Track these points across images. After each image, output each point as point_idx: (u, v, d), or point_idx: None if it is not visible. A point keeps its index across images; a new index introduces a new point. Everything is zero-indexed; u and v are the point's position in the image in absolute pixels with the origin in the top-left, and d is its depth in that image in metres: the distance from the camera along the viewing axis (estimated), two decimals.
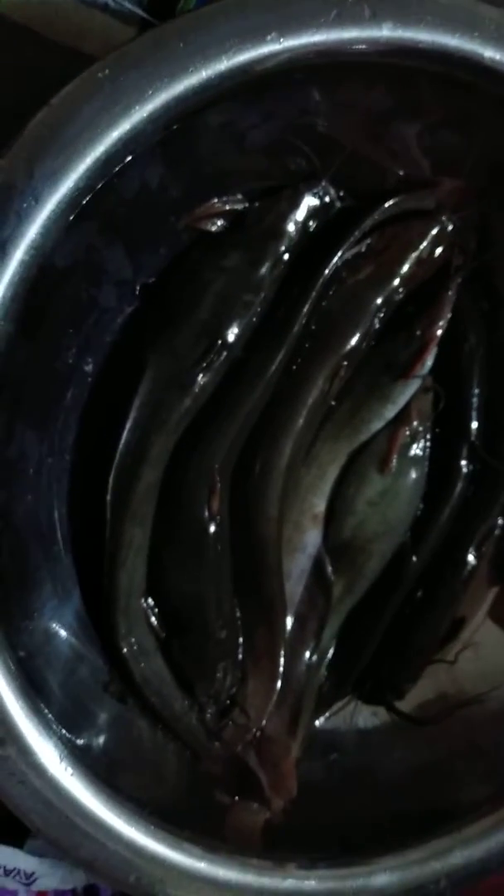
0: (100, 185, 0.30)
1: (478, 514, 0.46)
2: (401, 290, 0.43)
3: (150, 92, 0.30)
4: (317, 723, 0.45)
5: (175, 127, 0.32)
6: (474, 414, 0.45)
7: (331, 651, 0.45)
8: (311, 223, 0.41)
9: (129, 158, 0.31)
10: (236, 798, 0.41)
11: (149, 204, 0.36)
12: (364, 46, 0.33)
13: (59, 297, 0.35)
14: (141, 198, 0.35)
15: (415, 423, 0.44)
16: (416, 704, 0.46)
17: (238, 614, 0.43)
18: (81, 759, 0.35)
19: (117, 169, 0.30)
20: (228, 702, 0.42)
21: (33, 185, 0.29)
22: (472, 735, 0.45)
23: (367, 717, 0.46)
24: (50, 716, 0.34)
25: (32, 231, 0.29)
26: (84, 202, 0.30)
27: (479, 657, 0.47)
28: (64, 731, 0.35)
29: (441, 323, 0.44)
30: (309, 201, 0.41)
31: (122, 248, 0.37)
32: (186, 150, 0.35)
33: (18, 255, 0.30)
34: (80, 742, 0.36)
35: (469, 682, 0.46)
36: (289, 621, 0.43)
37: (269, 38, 0.31)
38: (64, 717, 0.35)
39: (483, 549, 0.46)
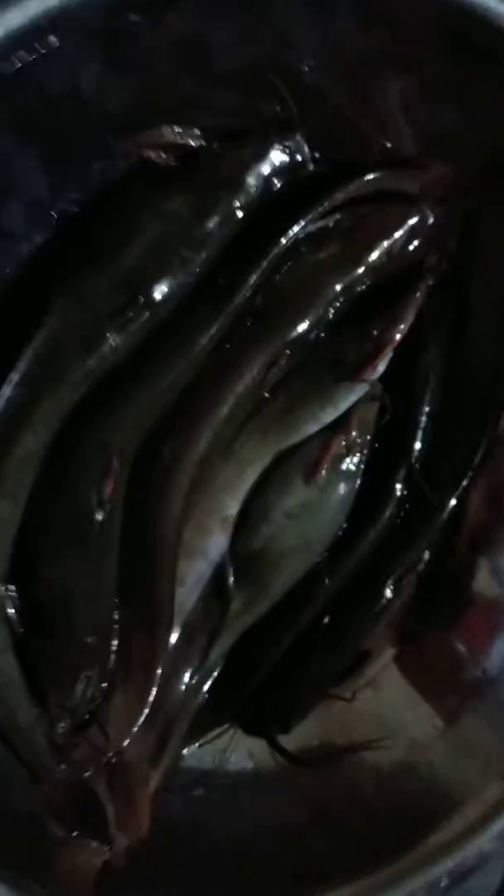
0: (11, 59, 0.23)
1: (403, 545, 0.41)
2: (365, 280, 0.38)
3: None
4: (185, 751, 0.40)
5: (122, 15, 0.25)
6: (419, 434, 0.41)
7: (215, 672, 0.40)
8: (275, 181, 0.35)
9: (55, 40, 0.24)
10: (73, 833, 0.35)
11: (79, 111, 0.30)
12: None
13: None
14: (70, 100, 0.28)
15: (353, 434, 0.39)
16: (305, 741, 0.41)
17: (116, 616, 0.37)
18: None
19: (41, 44, 0.23)
20: (87, 717, 0.37)
21: None
22: (355, 788, 0.40)
23: (242, 756, 0.41)
24: None
25: None
26: None
27: (378, 700, 0.43)
28: None
29: (402, 326, 0.39)
30: (277, 154, 0.35)
31: (37, 160, 0.30)
32: (136, 55, 0.28)
33: None
34: None
35: (364, 725, 0.42)
36: (174, 633, 0.37)
37: None
38: None
39: (402, 582, 0.42)
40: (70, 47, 0.25)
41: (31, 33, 0.23)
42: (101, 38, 0.26)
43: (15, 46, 0.23)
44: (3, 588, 0.35)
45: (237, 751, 0.40)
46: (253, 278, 0.35)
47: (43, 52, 0.24)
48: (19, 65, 0.24)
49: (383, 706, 0.43)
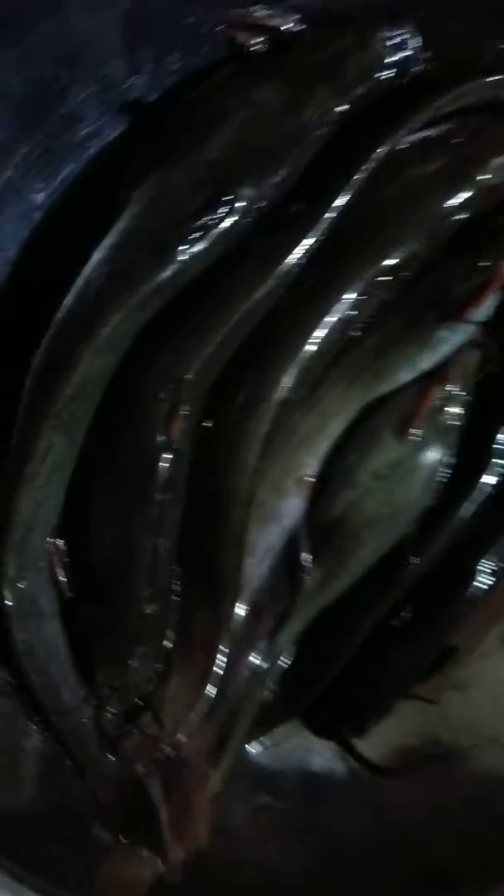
0: None
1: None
2: (474, 202, 0.33)
3: None
4: (250, 749, 0.36)
5: None
6: None
7: (287, 658, 0.36)
8: (379, 77, 0.30)
9: None
10: (120, 838, 0.30)
11: None
12: None
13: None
14: None
15: (453, 384, 0.34)
16: (385, 748, 0.36)
17: (175, 587, 0.33)
18: None
19: None
20: (140, 701, 0.32)
21: None
22: (449, 804, 0.34)
23: (319, 757, 0.35)
24: None
25: None
26: None
27: (469, 701, 0.37)
28: None
29: None
30: (384, 46, 0.30)
31: (112, 21, 0.25)
32: None
33: None
34: None
35: (455, 731, 0.36)
36: (240, 609, 0.33)
37: None
38: None
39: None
40: None
41: None
42: None
43: None
44: (53, 543, 0.31)
45: (311, 751, 0.35)
46: (349, 188, 0.30)
47: None
48: None
49: (475, 710, 0.37)
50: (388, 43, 0.30)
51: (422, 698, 0.37)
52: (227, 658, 0.33)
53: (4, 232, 0.28)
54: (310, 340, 0.32)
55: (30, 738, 0.29)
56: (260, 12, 0.29)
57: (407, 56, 0.31)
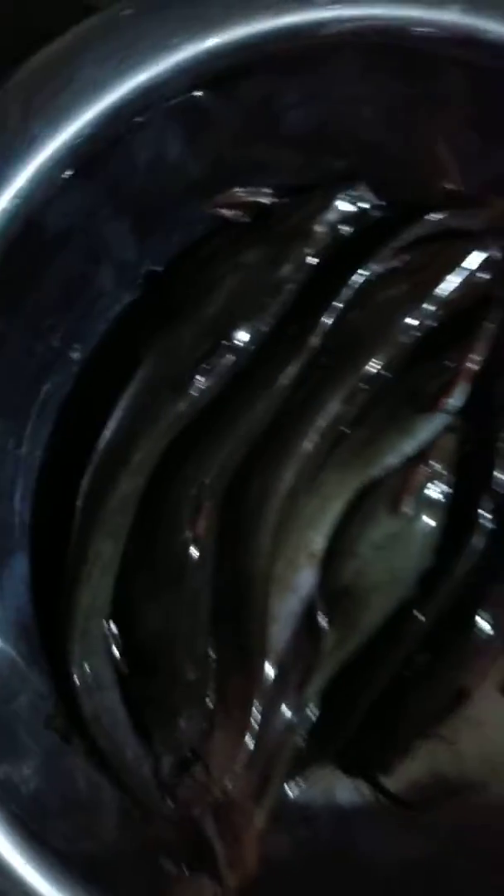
0: (106, 139, 0.26)
1: (495, 574, 0.40)
2: (435, 314, 0.39)
3: (177, 41, 0.26)
4: (289, 791, 0.40)
5: (202, 90, 0.28)
6: (500, 462, 0.40)
7: (314, 710, 0.39)
8: (342, 228, 0.37)
9: (145, 115, 0.27)
10: (185, 869, 0.35)
11: (164, 178, 0.32)
12: (429, 30, 0.29)
13: (50, 267, 0.31)
14: (156, 169, 0.31)
15: (435, 464, 0.39)
16: (409, 783, 0.40)
17: (212, 656, 0.38)
18: (6, 801, 0.29)
19: (129, 124, 0.26)
20: (190, 754, 0.37)
21: (27, 125, 0.25)
22: (468, 829, 0.39)
23: (349, 792, 0.39)
24: None
25: (20, 177, 0.25)
26: (85, 155, 0.26)
27: (482, 738, 0.41)
28: None
29: (477, 357, 0.39)
30: (343, 204, 0.37)
31: (128, 225, 0.33)
32: (213, 123, 0.31)
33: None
34: (7, 781, 0.31)
35: (471, 765, 0.40)
36: (270, 670, 0.37)
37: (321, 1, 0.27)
38: None
39: (498, 613, 0.41)
40: (156, 120, 0.28)
41: (124, 106, 0.26)
42: (182, 111, 0.29)
43: (108, 122, 0.26)
44: (107, 627, 0.37)
45: (341, 788, 0.40)
46: (326, 319, 0.36)
47: (132, 123, 0.27)
48: (112, 135, 0.27)
49: (489, 745, 0.41)
50: (348, 200, 0.36)
51: (439, 736, 0.40)
52: (262, 713, 0.37)
53: (53, 384, 0.35)
54: (306, 440, 0.37)
55: (107, 792, 0.35)
56: (238, 192, 0.36)
57: (364, 207, 0.37)
